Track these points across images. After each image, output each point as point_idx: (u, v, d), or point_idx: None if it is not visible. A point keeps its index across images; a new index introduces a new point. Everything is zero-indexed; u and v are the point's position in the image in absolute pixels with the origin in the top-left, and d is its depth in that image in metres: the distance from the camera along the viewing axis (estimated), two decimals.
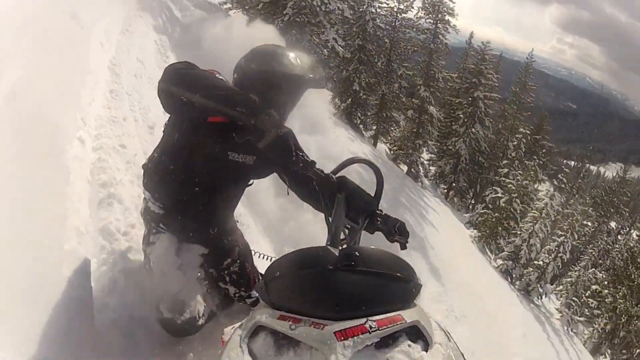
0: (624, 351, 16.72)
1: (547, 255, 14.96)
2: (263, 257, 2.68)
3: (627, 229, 27.63)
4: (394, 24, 19.21)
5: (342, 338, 1.12)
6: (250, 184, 2.44)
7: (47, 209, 2.31)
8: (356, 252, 1.36)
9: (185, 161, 2.12)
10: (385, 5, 18.89)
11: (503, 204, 16.87)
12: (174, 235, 2.32)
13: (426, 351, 1.19)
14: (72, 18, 5.12)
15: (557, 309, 16.94)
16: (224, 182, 2.25)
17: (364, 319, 1.17)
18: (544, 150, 25.14)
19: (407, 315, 1.23)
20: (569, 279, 18.39)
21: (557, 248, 14.86)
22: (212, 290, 2.49)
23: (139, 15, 10.25)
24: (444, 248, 9.48)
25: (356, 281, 1.29)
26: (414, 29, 19.60)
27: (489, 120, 22.37)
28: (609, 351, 17.18)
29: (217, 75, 1.88)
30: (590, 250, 22.79)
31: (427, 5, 19.36)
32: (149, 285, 2.38)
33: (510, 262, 14.99)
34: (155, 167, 2.24)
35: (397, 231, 2.02)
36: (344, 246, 1.74)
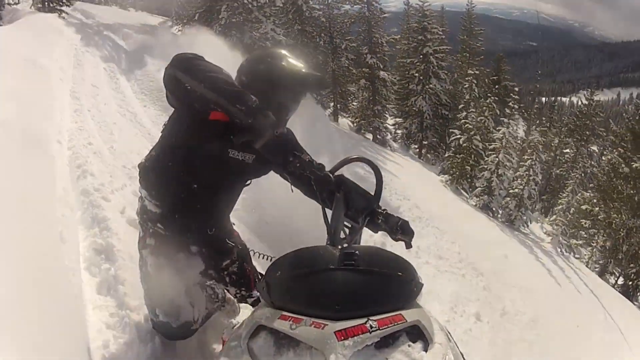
0: (631, 265, 16.97)
1: (519, 182, 15.54)
2: (262, 257, 2.71)
3: (609, 148, 28.91)
4: (327, 1, 20.10)
5: (343, 338, 1.14)
6: (248, 184, 2.44)
7: (40, 183, 3.30)
8: (356, 252, 1.39)
9: (184, 158, 2.11)
10: None
11: (463, 144, 17.60)
12: (171, 236, 2.31)
13: (426, 351, 1.20)
14: (34, 63, 6.69)
15: (545, 233, 17.61)
16: (223, 180, 2.25)
17: (365, 319, 1.19)
18: (508, 92, 26.20)
19: (408, 315, 1.25)
20: (559, 207, 18.95)
21: (526, 172, 15.39)
22: (211, 291, 2.46)
23: (85, 50, 11.38)
24: (409, 192, 9.92)
25: (357, 281, 1.31)
26: (348, 2, 20.45)
27: (444, 73, 22.98)
28: (618, 269, 17.47)
29: (223, 71, 1.89)
30: (573, 174, 23.63)
31: None
32: (145, 287, 2.42)
33: (486, 196, 15.64)
34: (153, 165, 2.24)
35: (400, 229, 2.03)
36: (345, 245, 1.73)
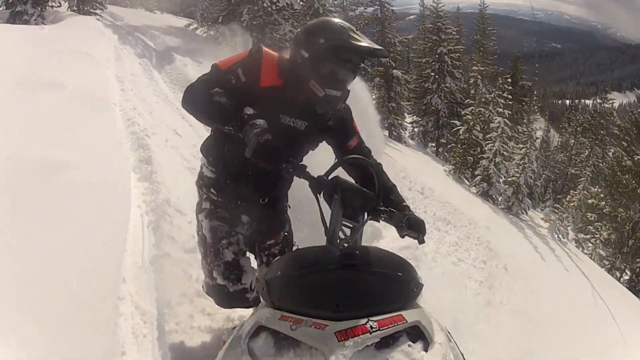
0: (637, 259, 17.12)
1: (516, 170, 16.04)
2: None
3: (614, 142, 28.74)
4: (342, 4, 21.31)
5: (343, 338, 1.17)
6: (301, 159, 2.41)
7: (106, 126, 5.31)
8: (357, 252, 1.41)
9: (239, 125, 2.08)
10: None
11: (463, 134, 18.24)
12: (223, 202, 2.40)
13: (426, 351, 1.23)
14: (86, 54, 9.11)
15: (542, 219, 17.83)
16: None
17: (365, 319, 1.22)
18: (525, 92, 26.94)
19: (408, 315, 1.28)
20: (572, 204, 18.80)
21: (522, 160, 15.94)
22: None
23: (123, 48, 13.10)
24: (414, 176, 10.77)
25: (357, 281, 1.34)
26: (362, 4, 21.86)
27: (459, 72, 23.91)
28: (627, 266, 17.51)
29: (214, 97, 1.97)
30: (584, 171, 23.57)
31: None
32: (201, 250, 2.50)
33: (485, 184, 16.22)
34: (212, 133, 2.39)
35: (406, 225, 2.00)
36: (345, 246, 1.74)
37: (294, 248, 2.70)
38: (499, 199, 16.20)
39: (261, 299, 1.55)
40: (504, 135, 16.21)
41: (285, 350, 1.24)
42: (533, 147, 16.48)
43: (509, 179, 15.92)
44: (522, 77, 29.66)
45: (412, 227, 2.01)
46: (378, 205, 1.99)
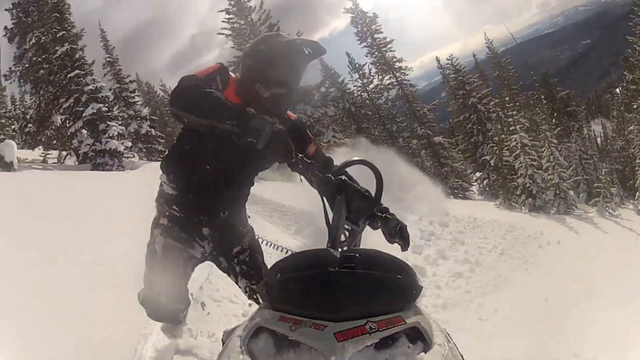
0: None
1: (549, 173, 16.36)
2: (271, 246, 2.60)
3: None
4: (370, 96, 23.41)
5: (342, 339, 1.18)
6: (257, 172, 2.55)
7: None
8: (357, 254, 1.42)
9: (199, 140, 2.25)
10: (353, 87, 23.29)
11: (493, 162, 18.95)
12: (185, 218, 2.43)
13: (426, 352, 1.23)
14: None
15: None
16: (236, 163, 2.34)
17: (365, 320, 1.22)
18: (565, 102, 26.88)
19: (408, 317, 1.28)
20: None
21: (548, 162, 16.33)
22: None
23: None
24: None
25: (357, 283, 1.35)
26: (384, 90, 23.72)
27: (497, 114, 22.55)
28: None
29: (214, 93, 1.96)
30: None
31: (376, 64, 23.53)
32: (148, 264, 2.54)
33: (530, 199, 16.40)
34: (173, 148, 2.43)
35: (398, 233, 2.09)
36: (345, 248, 1.74)
37: (266, 243, 2.64)
38: (551, 207, 16.30)
39: (261, 300, 1.59)
40: (526, 147, 16.64)
41: (285, 351, 1.27)
42: (553, 144, 16.81)
43: (544, 184, 16.24)
44: (556, 89, 29.84)
45: (403, 235, 2.12)
46: (378, 210, 2.06)
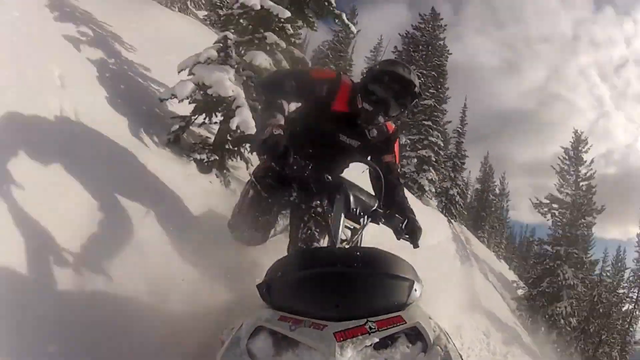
0: None
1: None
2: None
3: None
4: None
5: (342, 339, 1.21)
6: (347, 167, 2.84)
7: None
8: (357, 253, 1.46)
9: (303, 129, 2.52)
10: None
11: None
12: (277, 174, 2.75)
13: (425, 352, 1.27)
14: None
15: None
16: (329, 156, 2.59)
17: (364, 320, 1.26)
18: None
19: (408, 316, 1.32)
20: None
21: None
22: (294, 224, 2.83)
23: None
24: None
25: (357, 282, 1.38)
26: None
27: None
28: None
29: (274, 103, 2.36)
30: None
31: None
32: (242, 194, 3.04)
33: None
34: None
35: (405, 230, 2.15)
36: (346, 246, 1.81)
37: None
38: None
39: (260, 299, 1.56)
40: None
41: (284, 351, 1.27)
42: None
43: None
44: None
45: (409, 231, 2.17)
46: (379, 208, 2.12)
